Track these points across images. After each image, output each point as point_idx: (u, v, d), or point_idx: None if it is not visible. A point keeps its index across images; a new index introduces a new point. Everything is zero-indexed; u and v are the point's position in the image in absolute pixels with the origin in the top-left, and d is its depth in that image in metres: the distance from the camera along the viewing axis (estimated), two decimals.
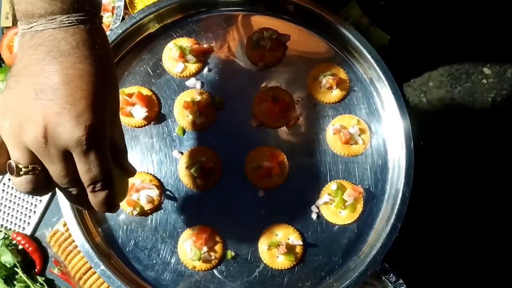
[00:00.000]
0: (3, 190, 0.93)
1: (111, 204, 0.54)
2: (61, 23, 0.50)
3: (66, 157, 0.49)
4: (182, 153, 0.84)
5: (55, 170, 0.50)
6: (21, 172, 0.49)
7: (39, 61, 0.49)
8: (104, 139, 0.51)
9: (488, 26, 1.77)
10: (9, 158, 0.50)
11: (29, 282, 0.87)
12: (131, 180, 0.81)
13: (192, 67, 0.86)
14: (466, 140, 1.72)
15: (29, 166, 0.49)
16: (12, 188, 0.93)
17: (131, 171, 0.60)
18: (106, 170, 0.51)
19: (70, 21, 0.50)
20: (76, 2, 0.51)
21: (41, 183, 0.50)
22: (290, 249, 0.80)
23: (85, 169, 0.50)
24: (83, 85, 0.49)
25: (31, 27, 0.50)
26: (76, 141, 0.48)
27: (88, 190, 0.52)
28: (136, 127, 0.85)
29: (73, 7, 0.50)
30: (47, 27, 0.49)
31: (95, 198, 0.53)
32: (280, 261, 0.81)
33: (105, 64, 0.53)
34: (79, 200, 0.54)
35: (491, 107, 1.83)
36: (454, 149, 1.72)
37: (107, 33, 0.88)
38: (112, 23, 0.91)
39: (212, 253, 0.80)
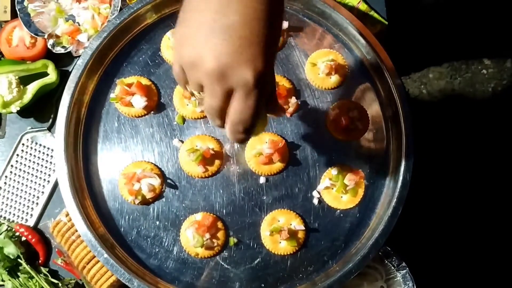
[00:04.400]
0: (5, 183, 0.93)
1: (242, 141, 0.56)
2: None
3: (226, 95, 0.50)
4: (182, 142, 0.84)
5: (210, 103, 0.51)
6: (195, 97, 0.57)
7: None
8: (266, 86, 0.52)
9: (488, 17, 1.78)
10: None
11: (33, 273, 0.88)
12: (132, 170, 0.82)
13: None
14: (467, 130, 1.73)
15: (200, 93, 0.52)
16: (14, 180, 0.94)
17: (281, 111, 0.60)
18: (255, 117, 0.52)
19: None
20: None
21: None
22: (292, 234, 0.80)
23: (239, 110, 0.51)
24: (258, 29, 0.48)
25: None
26: (243, 83, 0.49)
27: (229, 125, 0.53)
28: (136, 116, 0.85)
29: None
30: None
31: (231, 134, 0.55)
32: (282, 246, 0.81)
33: (279, 8, 0.51)
34: (214, 118, 0.54)
35: (491, 97, 1.83)
36: (456, 138, 1.72)
37: (105, 24, 0.89)
38: (110, 14, 0.92)
39: (214, 240, 0.81)
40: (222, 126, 0.55)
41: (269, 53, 0.50)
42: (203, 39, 0.48)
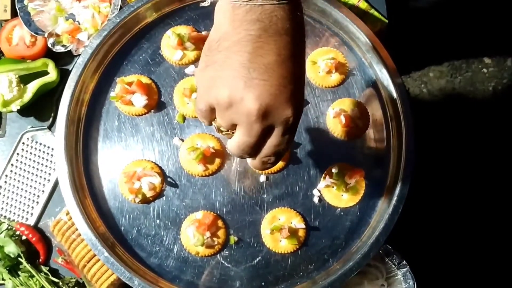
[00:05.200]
0: (5, 182, 0.93)
1: (267, 169, 0.58)
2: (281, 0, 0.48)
3: (264, 133, 0.51)
4: (183, 140, 0.84)
5: (246, 140, 0.52)
6: (222, 134, 0.58)
7: (255, 38, 0.48)
8: (300, 119, 0.53)
9: (488, 16, 1.78)
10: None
11: (33, 272, 0.88)
12: (132, 169, 0.82)
13: (191, 54, 0.86)
14: (467, 129, 1.73)
15: (229, 131, 0.55)
16: (15, 179, 0.93)
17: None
18: (288, 149, 0.55)
19: None
20: None
21: None
22: (292, 232, 0.80)
23: (275, 144, 0.52)
24: (293, 67, 0.49)
25: (250, 0, 0.48)
26: (284, 120, 0.50)
27: (261, 157, 0.54)
28: (136, 115, 0.85)
29: None
30: (266, 1, 0.48)
31: (261, 165, 0.56)
32: (283, 245, 0.81)
33: (304, 44, 0.52)
34: (243, 154, 0.55)
35: (492, 96, 1.83)
36: (456, 137, 1.72)
37: (105, 23, 0.89)
38: (110, 13, 0.92)
39: (215, 239, 0.81)
40: (248, 158, 0.56)
41: (303, 88, 0.52)
42: (241, 80, 0.48)
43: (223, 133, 0.58)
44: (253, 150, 0.53)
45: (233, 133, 0.54)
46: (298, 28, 0.51)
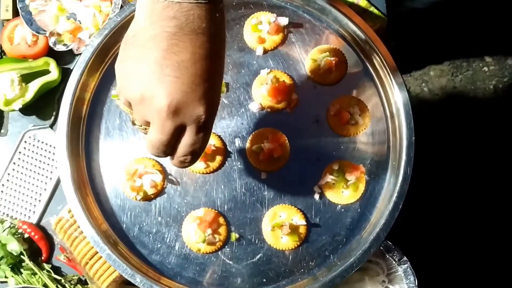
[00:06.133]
0: (7, 180, 0.94)
1: (186, 167, 0.58)
2: None
3: (177, 131, 0.52)
4: None
5: (159, 138, 0.52)
6: (135, 127, 0.58)
7: (170, 35, 0.49)
8: (214, 119, 0.54)
9: (489, 14, 1.78)
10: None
11: (35, 270, 0.88)
12: (133, 167, 0.83)
13: None
14: (468, 127, 1.73)
15: (142, 126, 0.55)
16: (17, 178, 0.94)
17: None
18: (204, 148, 0.55)
19: None
20: None
21: None
22: (293, 229, 0.81)
23: (190, 143, 0.53)
24: (208, 66, 0.50)
25: None
26: (196, 118, 0.51)
27: (178, 156, 0.55)
28: None
29: None
30: (184, 0, 0.48)
31: (179, 164, 0.56)
32: (284, 241, 0.81)
33: (223, 45, 0.53)
34: (159, 152, 0.55)
35: (493, 94, 1.83)
36: (457, 136, 1.72)
37: (106, 22, 0.89)
38: (110, 12, 0.92)
39: (216, 236, 0.81)
40: (165, 157, 0.56)
41: (219, 88, 0.53)
42: (154, 76, 0.49)
43: (137, 127, 0.58)
44: (167, 148, 0.53)
45: (146, 129, 0.55)
46: (216, 28, 0.51)
